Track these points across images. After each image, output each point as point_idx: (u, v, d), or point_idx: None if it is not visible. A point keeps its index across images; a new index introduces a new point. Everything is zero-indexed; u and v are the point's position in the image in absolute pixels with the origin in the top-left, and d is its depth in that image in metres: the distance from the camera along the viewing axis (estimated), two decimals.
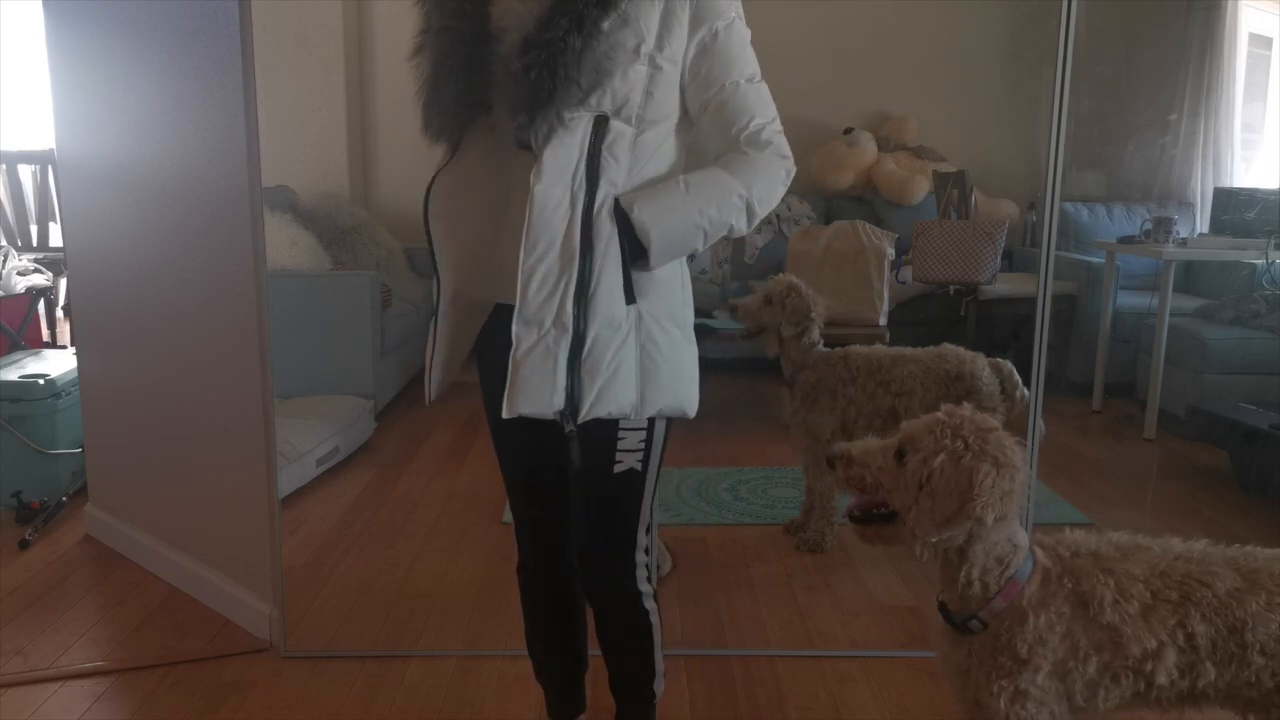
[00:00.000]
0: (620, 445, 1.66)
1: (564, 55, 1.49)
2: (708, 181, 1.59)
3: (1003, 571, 1.47)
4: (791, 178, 1.64)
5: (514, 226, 1.56)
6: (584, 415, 1.57)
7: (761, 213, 1.62)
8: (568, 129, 1.52)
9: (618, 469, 1.68)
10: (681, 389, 1.67)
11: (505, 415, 1.57)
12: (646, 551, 1.81)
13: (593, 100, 1.52)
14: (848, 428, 2.99)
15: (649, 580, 1.82)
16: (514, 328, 1.55)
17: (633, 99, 1.55)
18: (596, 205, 1.54)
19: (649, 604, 1.81)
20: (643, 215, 1.54)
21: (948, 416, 1.44)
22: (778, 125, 1.63)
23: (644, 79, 1.55)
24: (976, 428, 1.42)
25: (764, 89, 1.63)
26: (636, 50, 1.53)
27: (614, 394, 1.59)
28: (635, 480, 1.70)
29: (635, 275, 1.58)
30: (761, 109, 1.61)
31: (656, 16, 1.55)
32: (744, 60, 1.61)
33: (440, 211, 1.65)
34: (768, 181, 1.60)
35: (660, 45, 1.56)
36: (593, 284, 1.54)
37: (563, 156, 1.52)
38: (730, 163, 1.60)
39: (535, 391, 1.56)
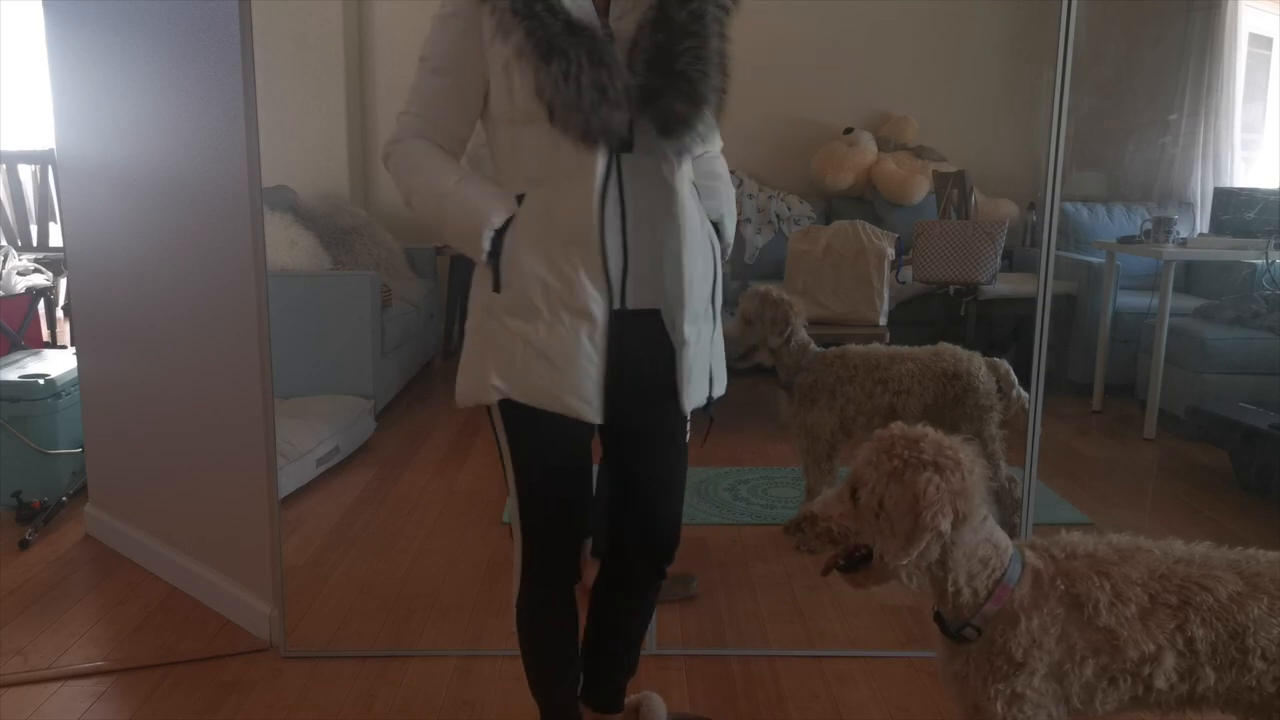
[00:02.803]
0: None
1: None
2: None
3: (989, 574, 1.47)
4: None
5: (663, 228, 1.61)
6: (717, 393, 1.74)
7: None
8: None
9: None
10: None
11: (686, 410, 1.70)
12: None
13: None
14: (847, 426, 2.99)
15: None
16: (685, 327, 1.62)
17: None
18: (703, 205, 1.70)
19: None
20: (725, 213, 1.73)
21: (878, 441, 1.46)
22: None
23: None
24: (907, 440, 1.44)
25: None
26: None
27: (720, 374, 1.75)
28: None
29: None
30: None
31: None
32: None
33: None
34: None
35: None
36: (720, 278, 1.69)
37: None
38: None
39: (699, 383, 1.68)
